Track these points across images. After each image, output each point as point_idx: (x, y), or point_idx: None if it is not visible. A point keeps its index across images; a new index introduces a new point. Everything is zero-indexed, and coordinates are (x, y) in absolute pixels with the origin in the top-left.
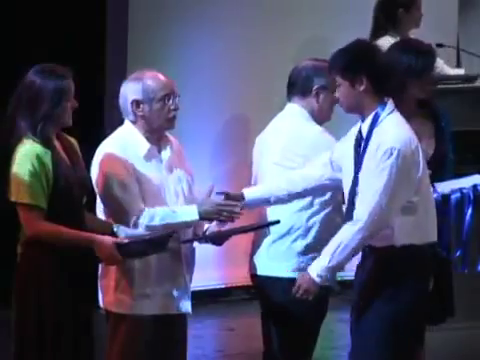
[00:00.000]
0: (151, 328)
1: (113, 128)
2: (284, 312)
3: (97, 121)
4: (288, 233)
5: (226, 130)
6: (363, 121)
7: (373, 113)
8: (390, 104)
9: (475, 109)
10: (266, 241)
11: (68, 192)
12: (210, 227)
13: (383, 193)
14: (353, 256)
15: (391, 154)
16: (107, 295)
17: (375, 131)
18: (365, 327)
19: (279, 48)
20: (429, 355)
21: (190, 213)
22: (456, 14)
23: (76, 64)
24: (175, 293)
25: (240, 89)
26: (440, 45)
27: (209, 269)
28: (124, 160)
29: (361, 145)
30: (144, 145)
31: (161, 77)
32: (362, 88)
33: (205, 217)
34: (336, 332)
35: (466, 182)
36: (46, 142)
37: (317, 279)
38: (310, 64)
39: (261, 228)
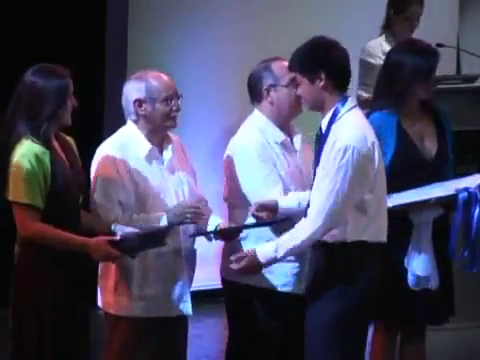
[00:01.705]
0: (149, 330)
1: (113, 128)
2: (233, 316)
3: (97, 121)
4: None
5: (227, 128)
6: (324, 117)
7: (333, 109)
8: (351, 101)
9: (475, 109)
10: (229, 245)
11: (66, 192)
12: (220, 224)
13: (339, 191)
14: (301, 250)
15: (345, 152)
16: (105, 296)
17: (333, 127)
18: (311, 325)
19: (282, 45)
20: (430, 355)
21: (160, 220)
22: (456, 14)
23: (76, 64)
24: (174, 295)
25: (241, 87)
26: (440, 45)
27: (209, 269)
28: (118, 162)
29: (321, 141)
30: (145, 146)
31: (164, 77)
32: (321, 84)
33: (173, 222)
34: None
35: (471, 182)
36: (47, 142)
37: (263, 264)
38: (257, 68)
39: (271, 224)
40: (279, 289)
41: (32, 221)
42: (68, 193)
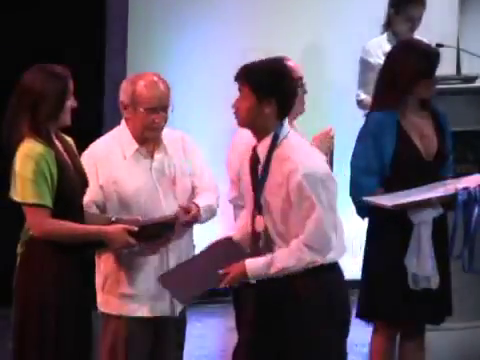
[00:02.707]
0: (140, 329)
1: (113, 128)
2: (242, 317)
3: (97, 121)
4: None
5: (229, 127)
6: (258, 140)
7: (271, 135)
8: (286, 125)
9: (475, 109)
10: None
11: (71, 192)
12: None
13: (322, 218)
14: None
15: (309, 180)
16: (97, 294)
17: (275, 155)
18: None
19: (284, 44)
20: (430, 355)
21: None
22: (456, 14)
23: (76, 64)
24: (162, 295)
25: None
26: (440, 45)
27: None
28: (100, 163)
29: (258, 167)
30: (132, 145)
31: (156, 87)
32: (267, 110)
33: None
34: None
35: (470, 181)
36: (48, 142)
37: (250, 279)
38: None
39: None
40: None
41: (44, 220)
42: (74, 193)
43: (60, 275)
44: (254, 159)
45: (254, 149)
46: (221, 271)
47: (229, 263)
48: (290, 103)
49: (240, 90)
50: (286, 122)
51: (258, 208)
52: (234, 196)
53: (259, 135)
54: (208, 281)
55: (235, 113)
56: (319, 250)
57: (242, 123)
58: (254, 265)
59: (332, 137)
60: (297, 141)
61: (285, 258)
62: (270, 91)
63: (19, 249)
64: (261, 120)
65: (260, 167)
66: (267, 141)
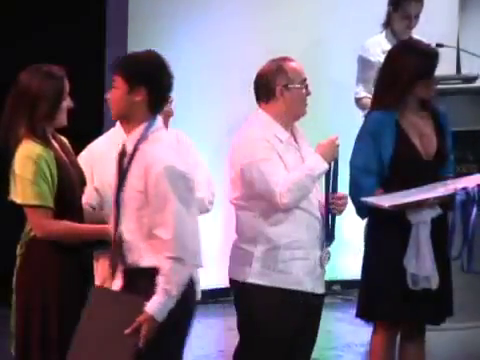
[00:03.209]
0: None
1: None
2: (244, 317)
3: (97, 121)
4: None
5: (229, 125)
6: (129, 133)
7: (141, 128)
8: (160, 120)
9: (475, 109)
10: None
11: (71, 191)
12: None
13: (180, 212)
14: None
15: (169, 173)
16: None
17: (141, 148)
18: None
19: (284, 41)
20: (430, 355)
21: None
22: (456, 14)
23: (76, 64)
24: None
25: (243, 85)
26: (440, 45)
27: (210, 269)
28: (94, 164)
29: (124, 162)
30: None
31: None
32: (138, 98)
33: None
34: (335, 332)
35: (469, 181)
36: (47, 143)
37: (159, 319)
38: (268, 67)
39: None
40: (290, 287)
41: (46, 221)
42: (73, 192)
43: (61, 275)
44: (121, 154)
45: (124, 144)
46: (127, 331)
47: (111, 311)
48: (163, 95)
49: (114, 80)
50: (159, 117)
51: (117, 205)
52: (235, 196)
53: (129, 126)
54: (126, 349)
55: (110, 107)
56: (186, 247)
57: (115, 114)
58: (157, 307)
59: (337, 146)
60: (166, 138)
61: (172, 279)
62: (141, 79)
63: (19, 250)
64: (131, 109)
65: (125, 161)
66: (136, 133)
